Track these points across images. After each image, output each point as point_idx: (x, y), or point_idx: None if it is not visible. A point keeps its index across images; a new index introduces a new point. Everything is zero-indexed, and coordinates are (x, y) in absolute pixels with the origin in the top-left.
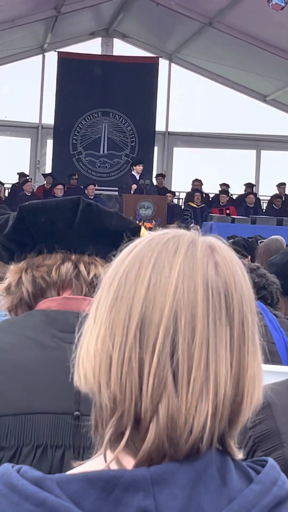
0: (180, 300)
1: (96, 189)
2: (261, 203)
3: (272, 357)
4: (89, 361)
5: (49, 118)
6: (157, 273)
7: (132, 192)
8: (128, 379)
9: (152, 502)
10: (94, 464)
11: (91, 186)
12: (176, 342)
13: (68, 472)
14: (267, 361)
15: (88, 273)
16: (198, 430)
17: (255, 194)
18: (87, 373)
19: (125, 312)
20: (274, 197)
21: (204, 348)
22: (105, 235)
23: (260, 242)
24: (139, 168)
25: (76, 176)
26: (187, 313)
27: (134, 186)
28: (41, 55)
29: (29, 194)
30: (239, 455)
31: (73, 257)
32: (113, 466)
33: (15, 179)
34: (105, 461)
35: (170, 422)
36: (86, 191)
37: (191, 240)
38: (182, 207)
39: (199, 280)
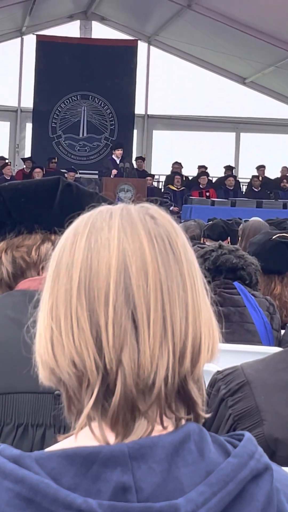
0: (126, 250)
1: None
2: (241, 186)
3: (251, 337)
4: (41, 340)
5: (28, 102)
6: (96, 235)
7: (112, 176)
8: (81, 338)
9: (130, 477)
10: (73, 440)
11: (72, 173)
12: (130, 289)
13: (47, 449)
14: (247, 341)
15: None
16: (163, 371)
17: (235, 177)
18: (42, 353)
19: (65, 278)
20: (253, 178)
21: (158, 290)
22: None
23: (245, 221)
24: (119, 152)
25: (56, 160)
26: (137, 260)
27: (114, 171)
28: (19, 38)
29: (9, 178)
30: (206, 415)
31: (53, 237)
32: (94, 442)
33: None
34: (92, 432)
35: (136, 367)
36: (66, 175)
37: (123, 206)
38: (162, 190)
39: (140, 230)
